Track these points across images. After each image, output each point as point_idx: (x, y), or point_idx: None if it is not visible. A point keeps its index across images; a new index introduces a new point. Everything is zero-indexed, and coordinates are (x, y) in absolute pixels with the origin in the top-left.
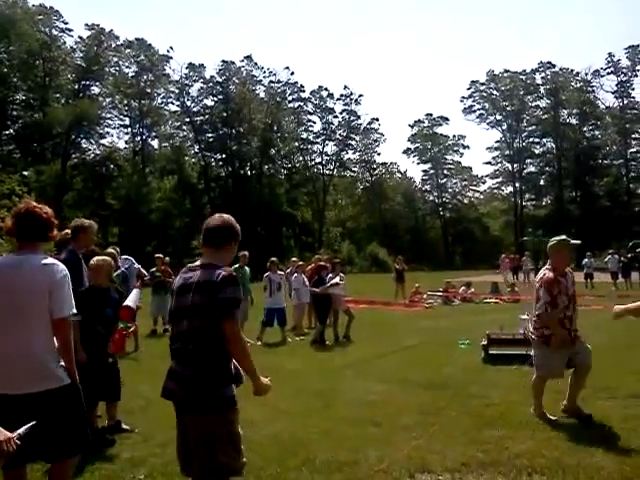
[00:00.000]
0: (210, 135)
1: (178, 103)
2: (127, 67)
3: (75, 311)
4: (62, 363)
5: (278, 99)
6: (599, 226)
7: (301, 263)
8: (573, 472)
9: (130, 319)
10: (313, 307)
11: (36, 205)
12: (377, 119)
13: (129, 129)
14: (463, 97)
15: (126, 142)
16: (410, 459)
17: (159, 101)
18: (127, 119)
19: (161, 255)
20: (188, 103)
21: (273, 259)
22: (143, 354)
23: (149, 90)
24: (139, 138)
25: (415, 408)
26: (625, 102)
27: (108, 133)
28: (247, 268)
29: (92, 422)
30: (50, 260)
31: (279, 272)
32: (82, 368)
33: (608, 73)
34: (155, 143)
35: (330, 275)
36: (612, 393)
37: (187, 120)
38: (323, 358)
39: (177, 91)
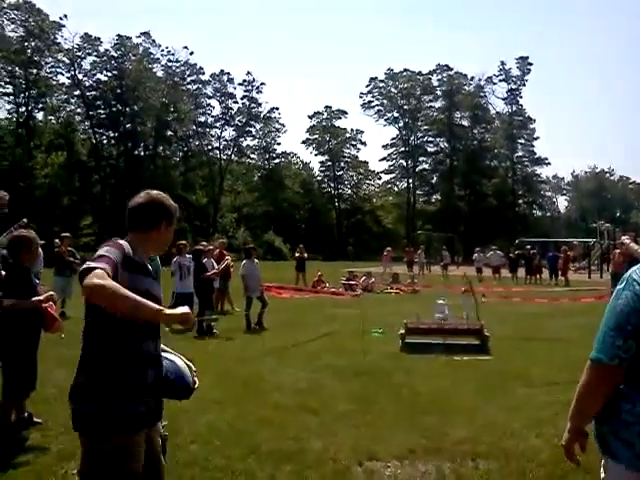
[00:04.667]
0: (102, 112)
1: (68, 75)
2: (13, 31)
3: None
4: None
5: (176, 79)
6: (486, 224)
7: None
8: (514, 456)
9: None
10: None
11: None
12: (277, 108)
13: (12, 97)
14: (362, 93)
15: (8, 112)
16: (356, 447)
17: (47, 70)
18: (9, 87)
19: (68, 234)
20: (80, 76)
21: (182, 242)
22: (52, 339)
23: (37, 58)
24: (24, 109)
25: (346, 396)
26: (514, 109)
27: None
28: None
29: (8, 415)
30: None
31: (187, 256)
32: (17, 356)
33: (500, 80)
34: (40, 115)
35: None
36: (526, 381)
37: (77, 94)
38: (238, 345)
39: (68, 61)
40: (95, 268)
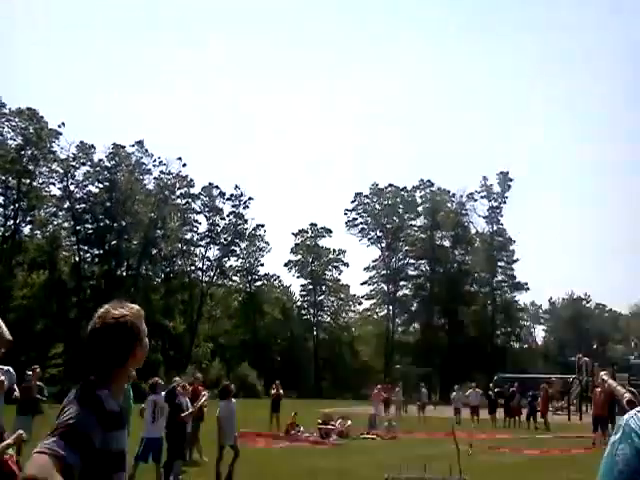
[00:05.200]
0: (90, 226)
1: (60, 186)
2: (12, 139)
3: None
4: None
5: (166, 192)
6: (464, 357)
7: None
8: None
9: None
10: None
11: None
12: (263, 225)
13: (1, 210)
14: (347, 210)
15: None
16: None
17: (40, 181)
18: (1, 198)
19: (37, 367)
20: (72, 187)
21: (156, 379)
22: None
23: (31, 167)
24: (11, 222)
25: None
26: (494, 228)
27: None
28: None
29: None
30: None
31: (162, 393)
32: None
33: (482, 197)
34: (27, 229)
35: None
36: None
37: (67, 206)
38: None
39: (62, 171)
40: (41, 452)
